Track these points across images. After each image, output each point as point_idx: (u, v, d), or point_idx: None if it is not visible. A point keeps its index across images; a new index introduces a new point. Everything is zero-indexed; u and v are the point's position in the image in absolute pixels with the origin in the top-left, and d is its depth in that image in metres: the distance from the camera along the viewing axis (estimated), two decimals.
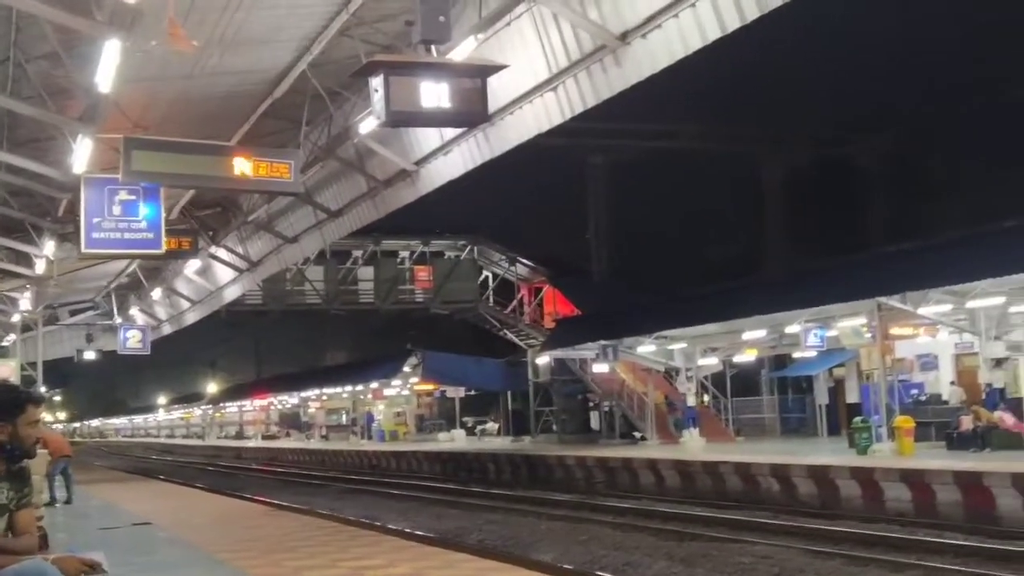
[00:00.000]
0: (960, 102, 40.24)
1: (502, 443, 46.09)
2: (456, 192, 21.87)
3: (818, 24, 36.11)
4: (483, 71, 11.85)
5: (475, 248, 48.76)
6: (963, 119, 39.99)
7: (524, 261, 48.63)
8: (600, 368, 39.43)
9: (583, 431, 43.72)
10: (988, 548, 15.11)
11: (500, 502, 25.98)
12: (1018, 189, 32.58)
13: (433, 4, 11.32)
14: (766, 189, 47.72)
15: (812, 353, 32.32)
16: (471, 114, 11.93)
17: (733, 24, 12.12)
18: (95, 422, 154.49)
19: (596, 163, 47.25)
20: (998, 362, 26.29)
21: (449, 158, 19.20)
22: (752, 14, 11.91)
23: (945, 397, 30.52)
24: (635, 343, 35.66)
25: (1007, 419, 24.86)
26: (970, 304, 25.03)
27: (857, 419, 27.01)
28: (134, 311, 41.59)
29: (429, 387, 55.84)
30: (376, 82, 11.31)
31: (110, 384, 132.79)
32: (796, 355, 35.70)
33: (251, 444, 72.76)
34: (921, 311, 25.20)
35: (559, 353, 41.11)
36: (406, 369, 51.05)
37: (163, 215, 16.98)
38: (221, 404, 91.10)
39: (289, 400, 76.27)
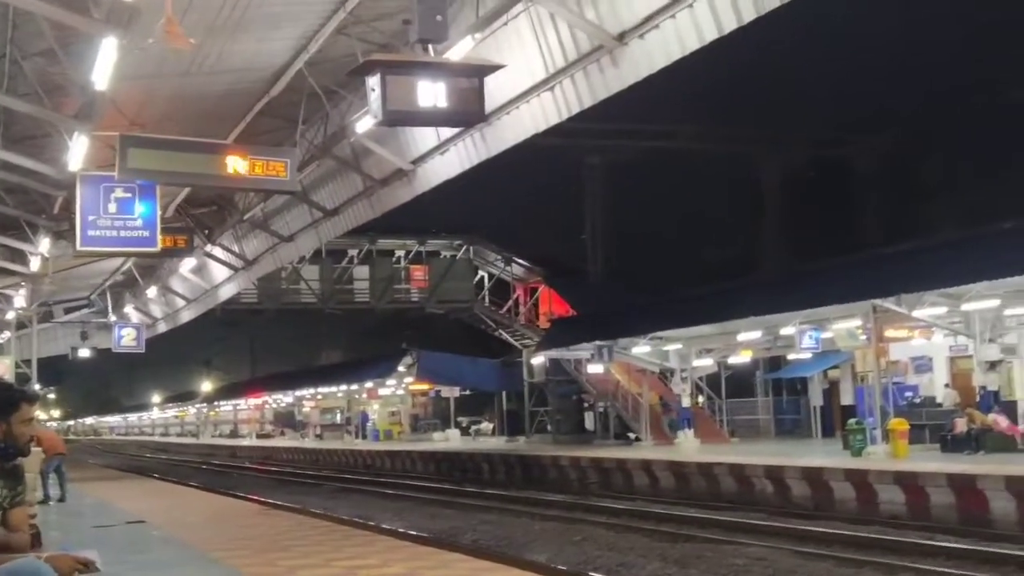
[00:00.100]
0: (957, 104, 40.30)
1: (496, 443, 46.06)
2: (452, 192, 21.88)
3: (815, 25, 36.13)
4: (480, 71, 11.84)
5: (471, 248, 48.74)
6: (960, 121, 40.04)
7: (520, 261, 48.62)
8: (595, 369, 39.43)
9: (578, 432, 43.72)
10: (981, 551, 15.13)
11: (494, 502, 25.98)
12: (1014, 191, 32.63)
13: (430, 3, 11.31)
14: (763, 190, 47.75)
15: (807, 355, 32.34)
16: (468, 114, 11.92)
17: (730, 25, 12.12)
18: (89, 420, 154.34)
19: (593, 163, 47.23)
20: (992, 365, 26.29)
21: (446, 158, 19.20)
22: (749, 15, 11.92)
23: (939, 400, 30.56)
24: (630, 344, 35.67)
25: (1001, 422, 24.89)
26: (965, 307, 25.05)
27: (851, 421, 27.02)
28: (129, 309, 41.54)
29: (424, 387, 55.79)
30: (373, 81, 11.31)
31: (104, 382, 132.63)
32: (791, 357, 35.72)
33: (245, 443, 72.67)
34: (916, 313, 25.21)
35: (554, 353, 41.10)
36: (401, 368, 51.02)
37: (159, 213, 16.97)
38: (216, 403, 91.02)
39: (284, 399, 76.23)
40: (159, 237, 17.12)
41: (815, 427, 37.31)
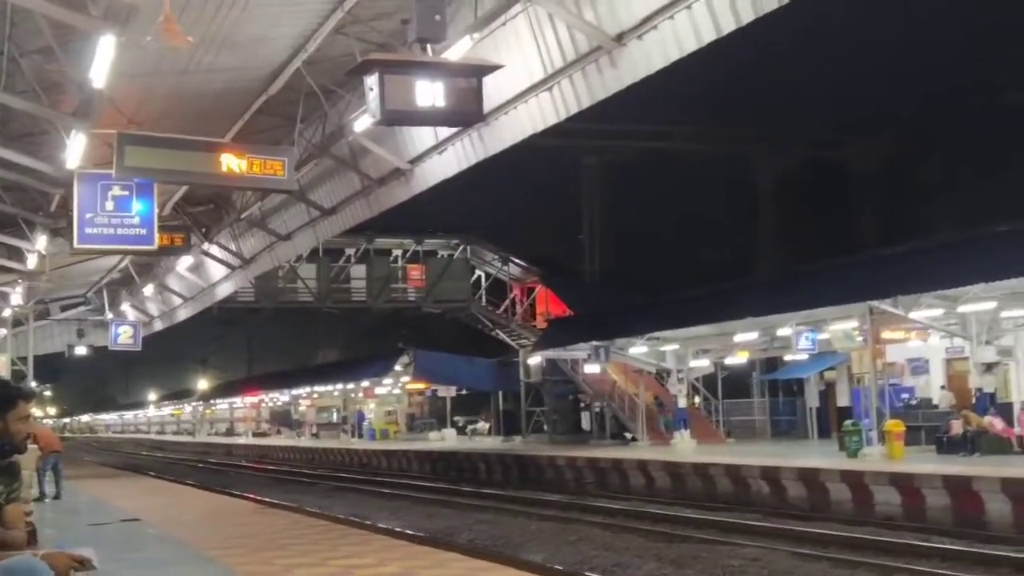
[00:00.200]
0: (955, 106, 40.34)
1: (493, 443, 46.07)
2: (450, 191, 21.90)
3: (814, 27, 36.17)
4: (478, 71, 11.84)
5: (468, 247, 48.74)
6: (958, 123, 40.08)
7: (517, 261, 48.62)
8: (591, 369, 39.43)
9: (574, 431, 43.75)
10: (976, 553, 15.14)
11: (490, 502, 25.97)
12: (1012, 193, 32.67)
13: (429, 3, 11.31)
14: (760, 191, 47.80)
15: (803, 356, 32.36)
16: (466, 114, 11.92)
17: (728, 26, 12.13)
18: (85, 417, 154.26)
19: (590, 164, 47.29)
20: (988, 367, 26.34)
21: (443, 157, 19.20)
22: (747, 16, 11.93)
23: (935, 401, 30.58)
24: (627, 344, 35.68)
25: (997, 424, 24.93)
26: (961, 309, 25.08)
27: (847, 422, 27.05)
28: (125, 307, 41.51)
29: (420, 386, 55.81)
30: (371, 80, 11.30)
31: (100, 380, 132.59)
32: (787, 358, 35.75)
33: (241, 441, 72.63)
34: (913, 315, 25.24)
35: (551, 353, 41.10)
36: (397, 368, 51.01)
37: (156, 211, 16.96)
38: (212, 401, 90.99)
39: (280, 398, 76.19)
40: (156, 235, 17.12)
41: (811, 428, 37.34)
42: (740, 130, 44.53)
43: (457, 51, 12.31)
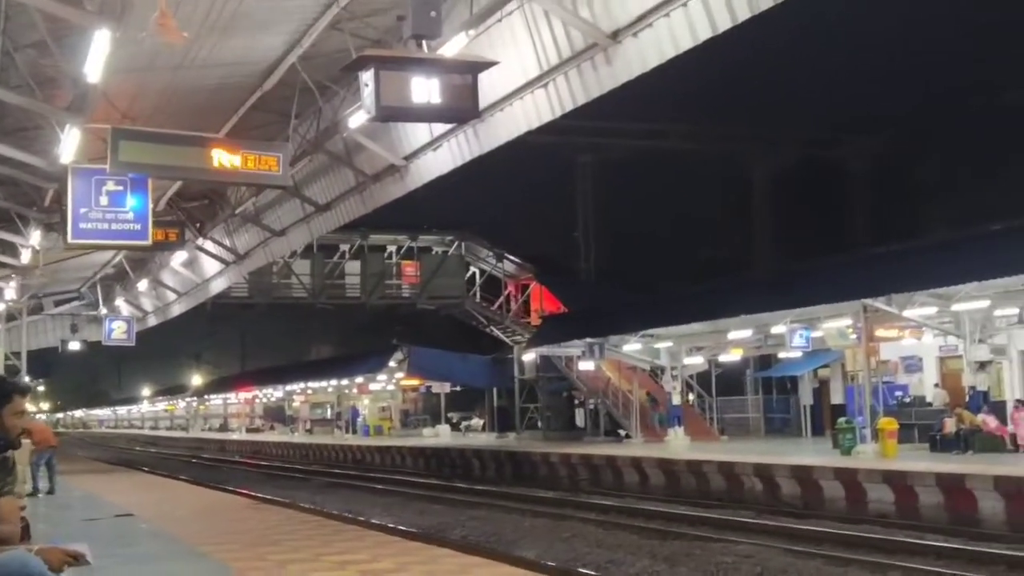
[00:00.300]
0: (950, 106, 40.39)
1: (487, 439, 46.11)
2: (444, 188, 21.87)
3: (810, 26, 36.20)
4: (474, 67, 11.83)
5: (462, 244, 48.70)
6: (953, 123, 40.13)
7: (511, 258, 48.61)
8: (586, 366, 39.47)
9: (568, 428, 43.80)
10: (969, 550, 15.19)
11: (484, 498, 25.99)
12: (1006, 193, 32.73)
13: None
14: (755, 190, 47.83)
15: (797, 354, 32.41)
16: (461, 110, 11.90)
17: (724, 24, 12.12)
18: (78, 413, 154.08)
19: (585, 161, 47.29)
20: (982, 365, 26.40)
21: (438, 154, 19.18)
22: (743, 14, 11.92)
23: (929, 399, 30.66)
24: (621, 341, 35.70)
25: (990, 422, 24.98)
26: (955, 307, 25.13)
27: (841, 420, 27.11)
28: (119, 302, 41.45)
29: (414, 382, 55.79)
30: (366, 76, 11.28)
31: (94, 375, 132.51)
32: (781, 355, 35.80)
33: (235, 437, 72.61)
34: (906, 313, 25.30)
35: (545, 350, 41.12)
36: (392, 364, 51.02)
37: (150, 206, 16.93)
38: (205, 396, 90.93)
39: (274, 393, 76.15)
40: (151, 230, 17.09)
41: (805, 426, 37.40)
42: (735, 128, 44.56)
43: (452, 47, 12.30)
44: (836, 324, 27.48)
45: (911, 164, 44.46)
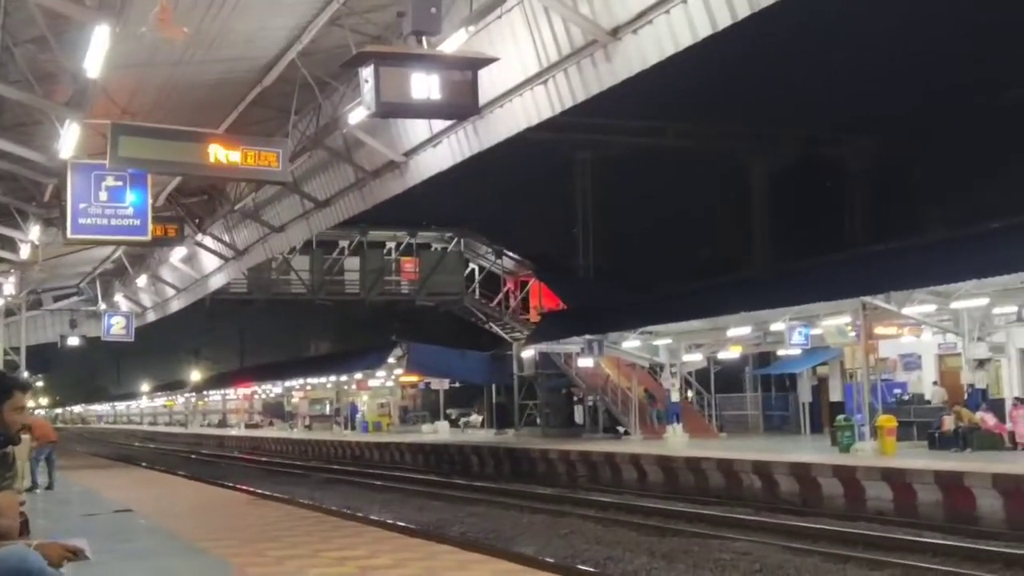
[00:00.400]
0: (949, 105, 40.38)
1: (485, 436, 46.12)
2: (444, 184, 21.86)
3: (809, 24, 36.16)
4: (474, 64, 11.83)
5: (462, 240, 48.69)
6: (952, 122, 40.12)
7: (510, 254, 48.61)
8: (585, 362, 39.48)
9: (567, 425, 43.81)
10: (966, 548, 15.20)
11: (483, 495, 26.00)
12: (1004, 192, 32.73)
13: None
14: (754, 188, 47.82)
15: (796, 351, 32.44)
16: (461, 106, 11.91)
17: (724, 22, 12.12)
18: (77, 408, 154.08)
19: (584, 158, 47.28)
20: (981, 363, 26.43)
21: (438, 150, 19.17)
22: (743, 12, 11.91)
23: (928, 397, 30.69)
24: (620, 338, 35.71)
25: (989, 420, 25.00)
26: (954, 305, 25.14)
27: (840, 417, 27.12)
28: (118, 298, 41.45)
29: (413, 379, 55.81)
30: (366, 73, 11.29)
31: (93, 370, 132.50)
32: (780, 353, 35.84)
33: (234, 433, 72.61)
34: (905, 311, 25.31)
35: (544, 347, 41.12)
36: (391, 360, 51.02)
37: (150, 202, 16.94)
38: (204, 392, 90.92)
39: (273, 389, 76.15)
40: (150, 226, 17.10)
41: (803, 423, 37.42)
42: (735, 126, 44.56)
43: (452, 44, 12.30)
44: (835, 322, 27.50)
45: (910, 163, 44.46)
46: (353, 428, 57.01)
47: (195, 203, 28.21)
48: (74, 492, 20.74)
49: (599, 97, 14.71)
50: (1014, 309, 25.89)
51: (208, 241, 30.64)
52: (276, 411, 79.66)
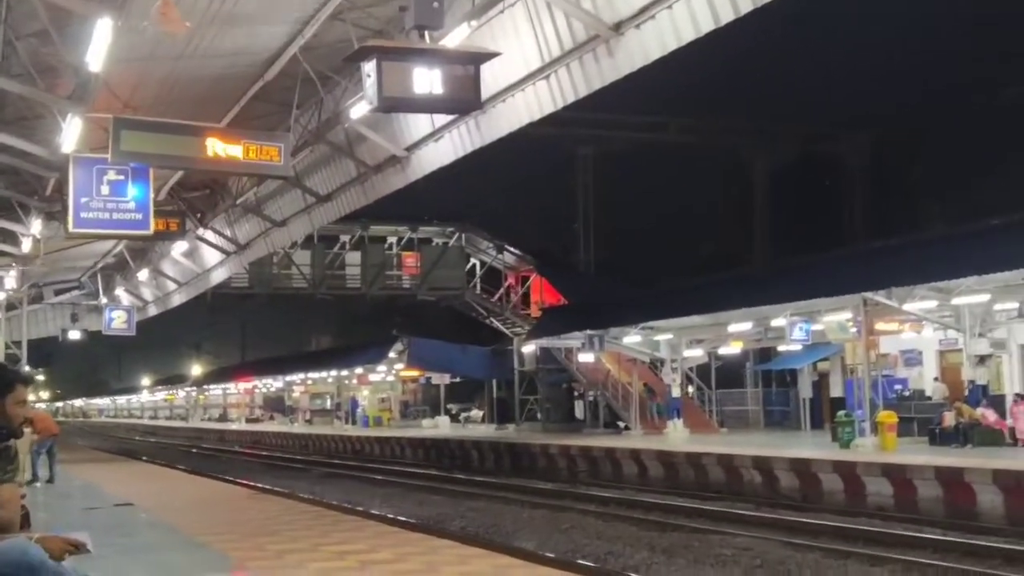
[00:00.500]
0: (949, 102, 40.36)
1: (486, 431, 46.14)
2: (445, 179, 21.85)
3: (811, 21, 36.18)
4: (476, 58, 11.83)
5: (463, 235, 48.67)
6: (951, 119, 40.12)
7: (512, 249, 48.60)
8: (585, 358, 39.48)
9: (567, 420, 43.83)
10: (967, 543, 15.21)
11: (483, 489, 26.02)
12: (1003, 188, 32.72)
13: None
14: (755, 183, 47.80)
15: (797, 347, 32.44)
16: (463, 101, 11.91)
17: (727, 16, 12.10)
18: (78, 402, 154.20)
19: (586, 154, 47.25)
20: (981, 359, 26.45)
21: (440, 145, 19.16)
22: (746, 7, 11.90)
23: (928, 393, 30.69)
24: (621, 333, 35.73)
25: (989, 416, 25.01)
26: (955, 301, 25.15)
27: (840, 413, 27.12)
28: (120, 291, 41.43)
29: (414, 373, 55.86)
30: (368, 67, 11.28)
31: (94, 364, 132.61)
32: (781, 348, 35.83)
33: (234, 427, 72.69)
34: (906, 307, 25.31)
35: (545, 342, 41.14)
36: (391, 355, 51.04)
37: (151, 196, 16.94)
38: (205, 386, 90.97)
39: (273, 384, 76.20)
40: (152, 220, 17.11)
41: (804, 419, 37.44)
42: (736, 122, 44.53)
43: (455, 38, 12.29)
44: (836, 317, 27.50)
45: (910, 160, 44.46)
46: (354, 423, 57.04)
47: (197, 197, 28.20)
48: (75, 486, 20.76)
49: (601, 92, 14.69)
50: (1015, 305, 25.91)
51: (210, 235, 30.63)
52: (277, 405, 79.73)
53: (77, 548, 4.64)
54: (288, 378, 70.01)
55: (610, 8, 13.29)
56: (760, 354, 39.81)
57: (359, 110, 16.11)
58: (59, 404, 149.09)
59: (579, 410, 44.72)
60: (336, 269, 47.47)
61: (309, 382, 68.04)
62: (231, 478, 29.11)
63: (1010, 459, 20.45)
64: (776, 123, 44.72)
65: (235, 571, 9.86)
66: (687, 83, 35.26)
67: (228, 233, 30.51)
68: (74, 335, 45.96)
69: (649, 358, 37.76)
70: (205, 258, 33.88)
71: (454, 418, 54.91)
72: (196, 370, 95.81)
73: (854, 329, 26.76)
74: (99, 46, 12.72)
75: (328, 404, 68.08)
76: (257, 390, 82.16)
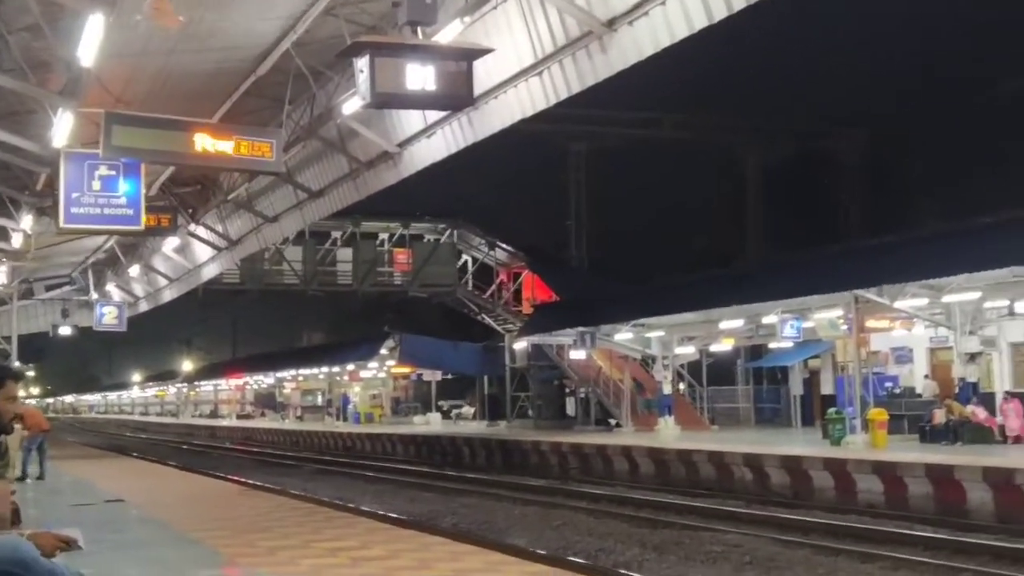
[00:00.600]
0: (942, 99, 40.46)
1: (477, 427, 46.16)
2: (437, 175, 21.84)
3: (805, 17, 36.21)
4: (469, 54, 11.83)
5: (455, 232, 48.64)
6: (944, 116, 40.20)
7: (504, 246, 48.58)
8: (577, 355, 39.48)
9: (559, 417, 43.83)
10: (957, 541, 15.25)
11: (474, 486, 26.03)
12: (996, 186, 32.81)
13: None
14: (748, 180, 47.87)
15: (788, 344, 32.46)
16: (456, 97, 11.92)
17: (720, 13, 12.10)
18: (69, 398, 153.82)
19: (579, 150, 47.25)
20: (972, 357, 26.49)
21: (432, 141, 19.14)
22: (739, 4, 11.90)
23: (919, 390, 30.74)
24: (612, 330, 35.73)
25: (979, 413, 25.07)
26: (946, 299, 25.18)
27: (831, 410, 27.17)
28: (111, 287, 41.35)
29: (406, 370, 55.78)
30: (361, 63, 11.28)
31: (84, 360, 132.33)
32: (772, 345, 35.84)
33: (225, 423, 72.57)
34: (897, 304, 25.34)
35: (536, 339, 41.14)
36: (383, 352, 50.99)
37: (143, 191, 16.89)
38: (196, 383, 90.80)
39: (265, 380, 76.07)
40: (143, 216, 17.06)
41: (795, 416, 37.47)
42: (730, 119, 44.59)
43: (448, 34, 12.28)
44: (827, 315, 27.51)
45: (903, 157, 44.55)
46: (345, 419, 56.99)
47: (188, 193, 28.13)
48: (65, 482, 20.71)
49: (594, 88, 14.69)
50: (1006, 303, 25.95)
51: (201, 231, 30.56)
52: (268, 402, 79.60)
53: (69, 544, 4.64)
54: (279, 374, 69.87)
55: (603, 4, 13.28)
56: (751, 351, 39.83)
57: (351, 106, 16.09)
58: (49, 400, 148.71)
59: (570, 407, 44.73)
60: (328, 265, 47.43)
61: (300, 378, 67.93)
62: (222, 474, 29.08)
63: (1000, 457, 20.51)
64: (770, 120, 44.81)
65: (226, 567, 9.84)
66: (681, 79, 35.35)
67: (220, 229, 30.46)
68: (65, 331, 45.89)
69: (640, 355, 37.77)
70: (196, 254, 33.81)
71: (445, 415, 54.87)
72: (187, 366, 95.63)
73: (845, 326, 26.79)
74: (91, 41, 12.68)
75: (319, 400, 67.99)
76: (248, 386, 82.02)
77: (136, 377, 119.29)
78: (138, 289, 42.43)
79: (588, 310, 36.71)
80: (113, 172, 16.15)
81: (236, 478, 27.67)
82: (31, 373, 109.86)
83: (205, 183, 27.93)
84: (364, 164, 21.65)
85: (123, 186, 16.29)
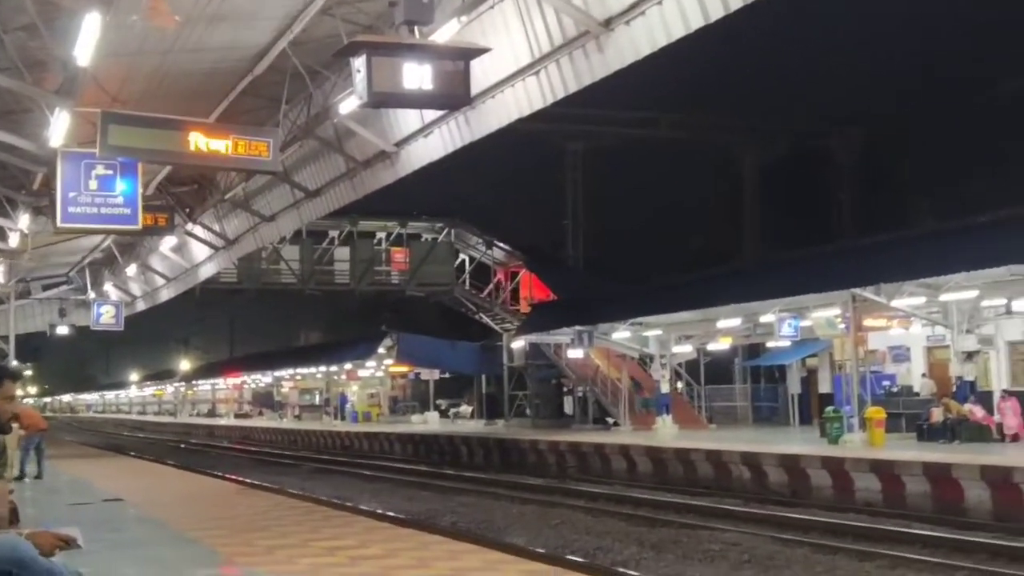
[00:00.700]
0: (939, 98, 40.46)
1: (475, 426, 46.15)
2: (435, 174, 21.85)
3: (801, 17, 36.20)
4: (466, 54, 11.83)
5: (452, 231, 48.63)
6: (940, 115, 40.21)
7: (501, 245, 48.57)
8: (575, 353, 39.49)
9: (556, 416, 43.84)
10: (954, 539, 15.26)
11: (472, 485, 26.03)
12: (992, 185, 32.82)
13: None
14: (745, 179, 47.87)
15: (786, 343, 32.47)
16: (453, 97, 11.92)
17: (717, 13, 12.12)
18: (66, 397, 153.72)
19: (576, 149, 47.24)
20: (969, 355, 26.49)
21: (429, 140, 19.16)
22: (736, 3, 11.92)
23: (916, 389, 30.77)
24: (610, 329, 35.73)
25: (977, 412, 25.10)
26: (944, 297, 25.20)
27: (829, 409, 27.18)
28: (108, 287, 41.34)
29: (403, 369, 55.76)
30: (358, 62, 11.28)
31: (82, 359, 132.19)
32: (770, 344, 35.85)
33: (223, 423, 72.53)
34: (895, 303, 25.36)
35: (534, 338, 41.14)
36: (380, 351, 50.97)
37: (140, 191, 16.89)
38: (194, 382, 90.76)
39: (262, 379, 76.02)
40: (140, 215, 17.05)
41: (793, 415, 37.50)
42: (726, 118, 44.58)
43: (444, 34, 12.28)
44: (825, 313, 27.52)
45: (899, 156, 44.55)
46: (343, 418, 56.99)
47: (185, 192, 28.15)
48: (63, 481, 20.70)
49: (591, 88, 14.71)
50: (1003, 302, 25.97)
51: (198, 230, 30.57)
52: (266, 401, 79.55)
53: (67, 543, 4.64)
54: (277, 373, 69.84)
55: (600, 4, 13.30)
56: (749, 350, 39.83)
57: (348, 105, 16.10)
58: (47, 399, 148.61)
59: (568, 406, 44.74)
60: (325, 264, 47.40)
61: (298, 378, 67.91)
62: (220, 473, 29.07)
63: (997, 455, 20.54)
64: (766, 119, 44.81)
65: (224, 566, 9.84)
66: (678, 79, 35.31)
67: (217, 228, 30.46)
68: (62, 330, 45.86)
69: (638, 354, 37.77)
70: (193, 253, 33.82)
71: (443, 414, 54.88)
72: (184, 365, 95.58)
73: (842, 325, 26.80)
74: (87, 40, 12.68)
75: (317, 400, 67.97)
76: (246, 386, 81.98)
77: (134, 376, 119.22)
78: (135, 288, 42.42)
79: (585, 309, 36.72)
80: (110, 171, 16.13)
81: (234, 477, 27.67)
82: (28, 372, 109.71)
83: (202, 182, 27.95)
84: (361, 163, 21.66)
85: (120, 185, 16.27)
